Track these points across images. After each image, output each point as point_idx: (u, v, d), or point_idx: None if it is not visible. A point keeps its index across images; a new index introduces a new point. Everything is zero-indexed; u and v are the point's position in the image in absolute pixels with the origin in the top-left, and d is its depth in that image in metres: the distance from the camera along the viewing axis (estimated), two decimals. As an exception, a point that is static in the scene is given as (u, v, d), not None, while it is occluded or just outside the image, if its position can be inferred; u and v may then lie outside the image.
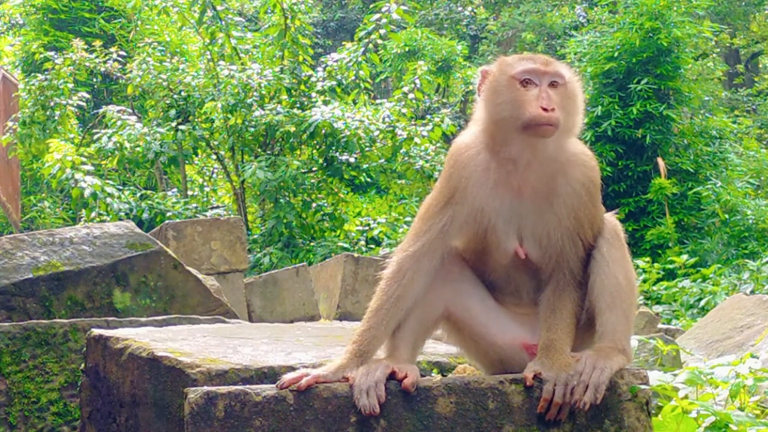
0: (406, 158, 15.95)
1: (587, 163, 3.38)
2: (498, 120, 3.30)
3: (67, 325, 4.65)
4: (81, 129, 19.04)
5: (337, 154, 15.82)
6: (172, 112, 16.39)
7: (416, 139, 15.98)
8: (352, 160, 15.83)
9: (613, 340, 3.29)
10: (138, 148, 15.52)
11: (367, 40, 16.59)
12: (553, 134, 3.25)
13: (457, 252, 3.44)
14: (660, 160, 17.29)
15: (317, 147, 16.02)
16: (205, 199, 18.35)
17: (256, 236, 15.66)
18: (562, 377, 3.15)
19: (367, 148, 15.76)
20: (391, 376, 3.15)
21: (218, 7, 16.30)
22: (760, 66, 34.84)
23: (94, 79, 19.51)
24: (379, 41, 16.95)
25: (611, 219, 3.45)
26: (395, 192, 17.16)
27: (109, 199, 14.91)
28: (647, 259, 14.61)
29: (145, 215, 15.21)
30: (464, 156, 3.36)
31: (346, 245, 15.49)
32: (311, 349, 3.74)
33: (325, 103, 16.11)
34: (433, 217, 3.33)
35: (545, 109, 3.22)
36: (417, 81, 16.70)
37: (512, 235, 3.33)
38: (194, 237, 10.59)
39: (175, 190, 17.94)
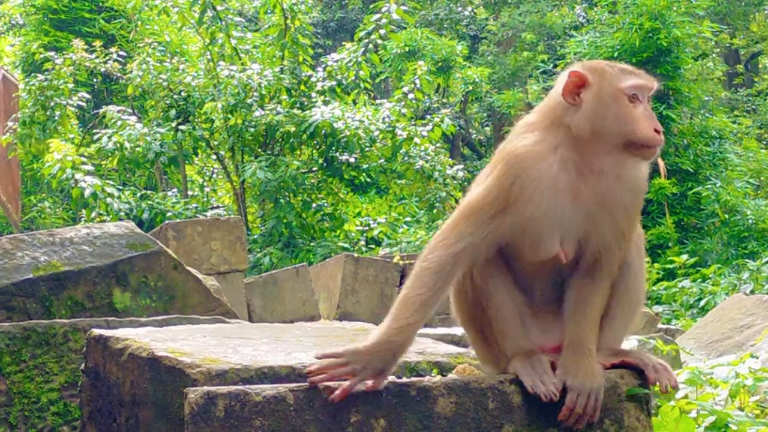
0: (406, 158, 15.97)
1: (641, 178, 3.34)
2: (602, 133, 3.19)
3: (68, 325, 4.64)
4: (81, 129, 19.05)
5: (337, 154, 15.83)
6: (172, 112, 16.40)
7: (416, 139, 15.99)
8: (352, 160, 15.84)
9: (611, 345, 3.31)
10: (138, 149, 15.53)
11: (367, 41, 16.60)
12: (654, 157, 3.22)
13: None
14: (660, 160, 17.28)
15: (317, 147, 16.03)
16: (205, 199, 18.37)
17: (256, 236, 15.66)
18: (586, 387, 3.11)
19: (367, 148, 15.78)
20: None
21: (218, 7, 16.32)
22: (760, 66, 34.84)
23: (95, 80, 19.52)
24: (379, 41, 16.97)
25: (638, 228, 3.41)
26: (395, 192, 17.17)
27: (109, 199, 14.91)
28: (647, 259, 14.60)
29: (145, 215, 15.22)
30: (530, 163, 3.21)
31: (346, 245, 15.51)
32: (311, 349, 3.74)
33: (325, 103, 16.12)
34: (481, 220, 3.20)
35: (657, 131, 3.16)
36: (417, 81, 16.70)
37: (556, 239, 3.25)
38: (194, 237, 10.60)
39: (175, 190, 17.94)
